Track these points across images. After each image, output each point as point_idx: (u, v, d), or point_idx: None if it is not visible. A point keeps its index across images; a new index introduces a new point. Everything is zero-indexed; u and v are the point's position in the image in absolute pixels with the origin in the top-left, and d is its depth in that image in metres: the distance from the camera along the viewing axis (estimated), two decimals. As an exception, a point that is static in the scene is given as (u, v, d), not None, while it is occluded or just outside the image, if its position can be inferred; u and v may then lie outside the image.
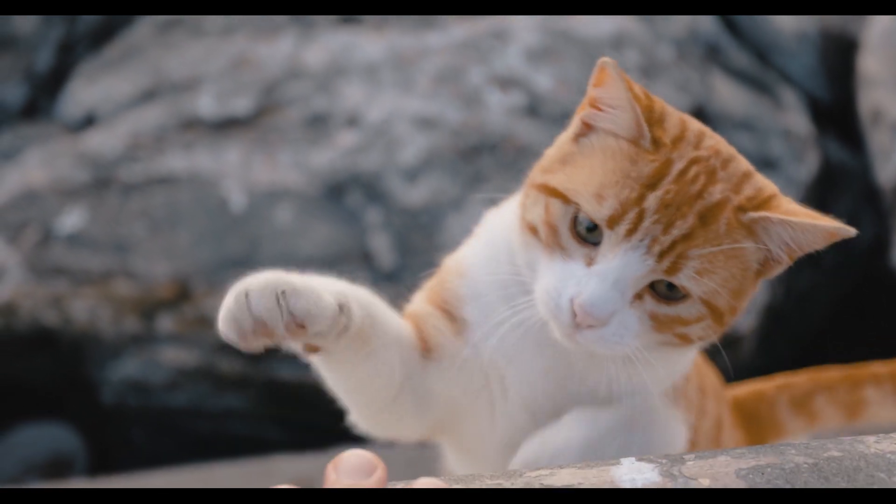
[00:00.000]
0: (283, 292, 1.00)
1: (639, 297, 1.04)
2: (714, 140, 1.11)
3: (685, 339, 1.08)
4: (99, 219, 2.86)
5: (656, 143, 1.06)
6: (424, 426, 1.23)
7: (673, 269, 1.02)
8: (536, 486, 0.82)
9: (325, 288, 1.06)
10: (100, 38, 3.77)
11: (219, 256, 2.78)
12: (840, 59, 3.25)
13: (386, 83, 3.05)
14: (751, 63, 3.25)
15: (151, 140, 3.05)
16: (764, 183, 1.10)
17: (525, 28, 3.11)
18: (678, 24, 3.20)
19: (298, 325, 1.01)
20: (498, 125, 2.90)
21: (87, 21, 3.83)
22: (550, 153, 1.14)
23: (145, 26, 3.59)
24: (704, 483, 0.85)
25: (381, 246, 2.73)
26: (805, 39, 3.27)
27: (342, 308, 1.06)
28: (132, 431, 3.03)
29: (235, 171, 2.92)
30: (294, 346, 1.08)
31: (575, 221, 1.06)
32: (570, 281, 1.04)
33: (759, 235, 1.06)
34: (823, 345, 3.16)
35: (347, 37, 3.24)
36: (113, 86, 3.33)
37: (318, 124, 3.01)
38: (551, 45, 3.07)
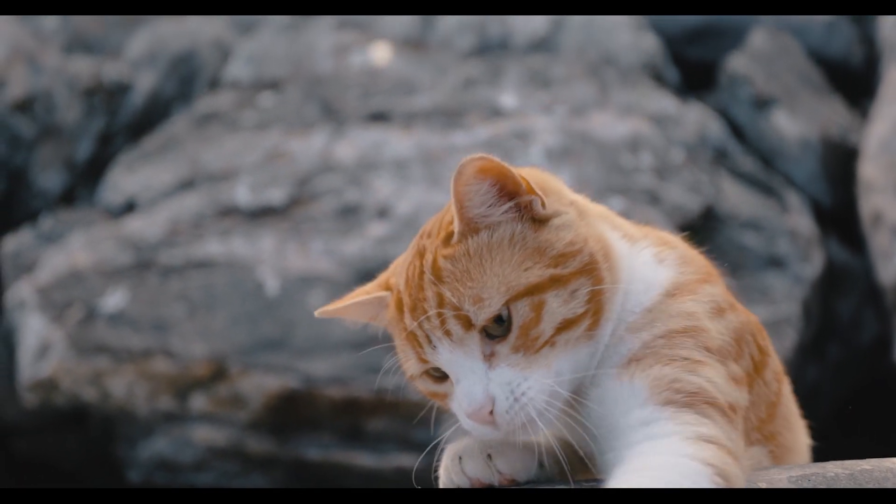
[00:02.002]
0: (490, 456, 1.13)
1: (492, 355, 1.10)
2: (417, 236, 1.22)
3: (564, 328, 1.10)
4: (139, 299, 3.00)
5: (389, 288, 1.22)
6: None
7: (465, 323, 1.09)
8: None
9: (527, 444, 1.17)
10: (138, 131, 3.97)
11: (253, 338, 2.92)
12: (841, 165, 3.45)
13: (415, 178, 3.23)
14: (757, 167, 3.44)
15: (190, 226, 3.21)
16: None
17: (546, 130, 3.31)
18: (689, 129, 3.40)
19: (509, 479, 1.15)
20: (520, 220, 3.06)
21: (127, 114, 4.04)
22: None
23: (182, 120, 3.80)
24: (762, 485, 1.00)
25: (410, 331, 2.87)
26: (807, 146, 3.47)
27: (542, 465, 1.17)
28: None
29: (270, 257, 3.08)
30: None
31: (431, 378, 1.17)
32: (458, 408, 1.15)
33: (477, 224, 1.12)
34: (828, 440, 3.27)
35: (377, 134, 3.44)
36: (152, 175, 3.51)
37: (350, 215, 3.18)
38: (571, 145, 3.27)
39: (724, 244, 3.14)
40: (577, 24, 3.86)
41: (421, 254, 1.16)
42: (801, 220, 3.24)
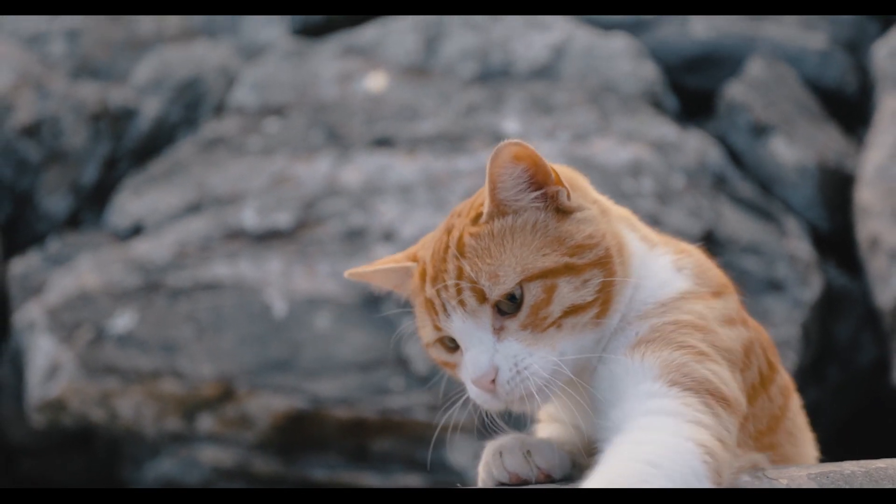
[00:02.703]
0: (529, 451, 1.22)
1: (501, 329, 1.18)
2: (446, 219, 1.31)
3: (571, 312, 1.17)
4: (148, 321, 3.04)
5: (416, 260, 1.32)
6: None
7: (479, 296, 1.17)
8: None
9: (557, 439, 1.26)
10: (144, 156, 4.02)
11: (261, 359, 2.95)
12: (837, 191, 3.50)
13: (419, 202, 3.28)
14: (755, 193, 3.49)
15: (197, 249, 3.25)
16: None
17: (549, 155, 3.34)
18: (689, 155, 3.45)
19: (546, 474, 1.21)
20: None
21: (133, 139, 4.09)
22: None
23: (188, 145, 3.84)
24: (783, 483, 1.04)
25: (417, 352, 2.91)
26: (805, 173, 3.53)
27: (574, 464, 1.24)
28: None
29: (277, 279, 3.12)
30: None
31: (444, 346, 1.27)
32: (465, 376, 1.23)
33: (507, 206, 1.20)
34: (828, 461, 3.30)
35: (382, 159, 3.49)
36: (159, 198, 3.55)
37: (355, 238, 3.22)
38: (573, 171, 3.31)
39: (724, 268, 3.16)
40: (577, 52, 3.93)
41: (449, 230, 1.24)
42: (800, 245, 3.29)
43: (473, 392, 1.21)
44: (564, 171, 1.27)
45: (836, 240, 3.47)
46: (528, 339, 1.16)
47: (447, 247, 1.21)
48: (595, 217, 1.23)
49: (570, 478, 1.21)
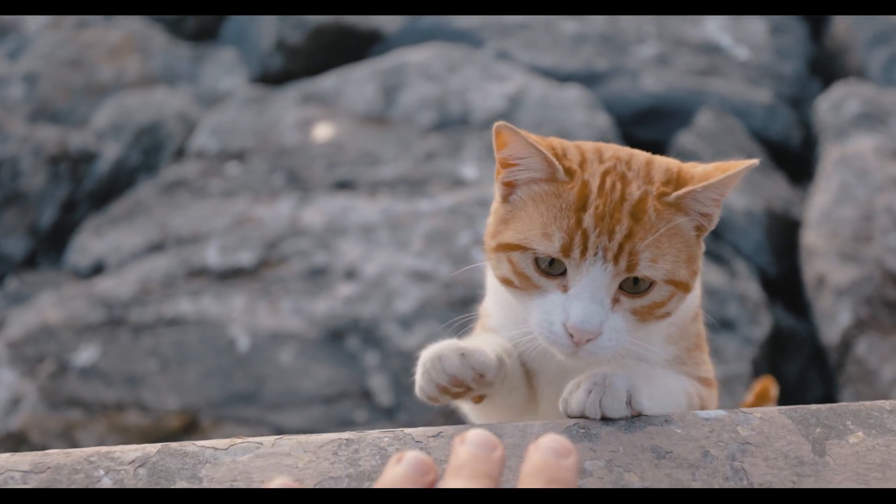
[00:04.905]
0: (463, 354, 1.23)
1: (616, 300, 1.19)
2: (611, 149, 1.27)
3: (666, 315, 1.24)
4: (111, 354, 3.03)
5: (569, 172, 1.21)
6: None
7: (631, 266, 1.17)
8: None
9: (487, 346, 1.28)
10: (103, 198, 4.03)
11: (225, 392, 2.96)
12: (784, 236, 3.64)
13: (381, 241, 3.34)
14: (707, 238, 3.59)
15: (160, 286, 3.27)
16: (668, 162, 1.26)
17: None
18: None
19: (479, 375, 1.24)
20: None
21: (91, 181, 4.11)
22: (491, 221, 1.29)
23: (149, 187, 3.87)
24: (758, 415, 1.15)
25: (380, 385, 2.94)
26: (753, 218, 3.66)
27: (500, 360, 1.28)
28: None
29: (241, 315, 3.14)
30: (468, 398, 1.31)
31: (537, 262, 1.20)
32: (555, 310, 1.19)
33: (690, 207, 1.21)
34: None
35: (343, 200, 3.55)
36: (121, 238, 3.57)
37: (318, 276, 3.26)
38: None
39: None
40: (533, 103, 4.05)
41: (624, 179, 1.21)
42: (749, 286, 3.40)
43: (552, 329, 1.19)
44: None
45: (784, 282, 3.60)
46: (630, 322, 1.20)
47: (623, 198, 1.19)
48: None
49: (498, 378, 1.27)
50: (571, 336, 1.17)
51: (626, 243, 1.16)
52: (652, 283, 1.19)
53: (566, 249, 1.17)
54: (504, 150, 1.23)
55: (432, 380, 1.24)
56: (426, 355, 1.25)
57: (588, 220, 1.17)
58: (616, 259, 1.17)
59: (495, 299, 1.38)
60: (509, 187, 1.25)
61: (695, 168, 1.24)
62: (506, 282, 1.25)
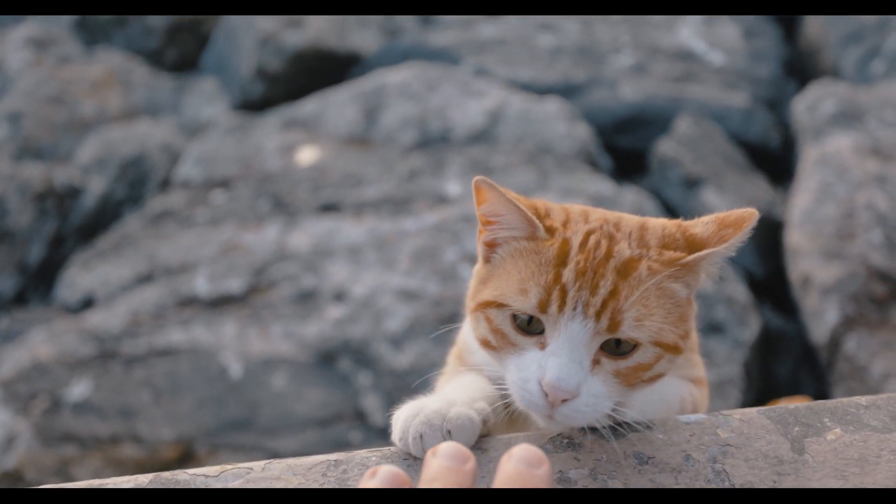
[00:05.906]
0: (450, 431, 1.16)
1: (596, 362, 1.13)
2: (598, 212, 1.23)
3: (654, 379, 1.18)
4: (104, 388, 3.04)
5: (550, 230, 1.18)
6: None
7: (614, 325, 1.12)
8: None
9: (471, 405, 1.21)
10: (90, 233, 4.05)
11: (220, 419, 2.97)
12: (768, 237, 3.67)
13: (368, 262, 3.36)
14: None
15: (151, 317, 3.28)
16: (663, 224, 1.21)
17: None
18: (626, 209, 3.59)
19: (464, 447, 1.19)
20: (473, 296, 3.20)
21: (78, 216, 4.12)
22: (473, 282, 1.25)
23: (135, 220, 3.89)
24: (737, 416, 1.17)
25: (373, 406, 2.96)
26: (736, 222, 3.69)
27: (484, 420, 1.22)
28: None
29: (232, 342, 3.15)
30: None
31: (514, 319, 1.16)
32: (531, 367, 1.14)
33: (700, 268, 1.18)
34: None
35: (329, 223, 3.57)
36: (109, 271, 3.58)
37: (307, 300, 3.28)
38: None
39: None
40: (513, 117, 4.08)
41: (611, 238, 1.17)
42: (737, 288, 3.43)
43: (526, 387, 1.14)
44: None
45: (770, 283, 3.62)
46: (612, 386, 1.14)
47: (610, 255, 1.15)
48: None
49: (487, 431, 1.22)
50: (547, 395, 1.12)
51: (610, 300, 1.12)
52: (636, 345, 1.14)
53: (543, 305, 1.14)
54: (484, 206, 1.20)
55: (408, 447, 1.17)
56: (406, 425, 1.18)
57: (568, 274, 1.14)
58: (598, 316, 1.12)
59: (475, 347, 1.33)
60: (491, 247, 1.23)
61: (694, 227, 1.20)
62: (484, 342, 1.21)
